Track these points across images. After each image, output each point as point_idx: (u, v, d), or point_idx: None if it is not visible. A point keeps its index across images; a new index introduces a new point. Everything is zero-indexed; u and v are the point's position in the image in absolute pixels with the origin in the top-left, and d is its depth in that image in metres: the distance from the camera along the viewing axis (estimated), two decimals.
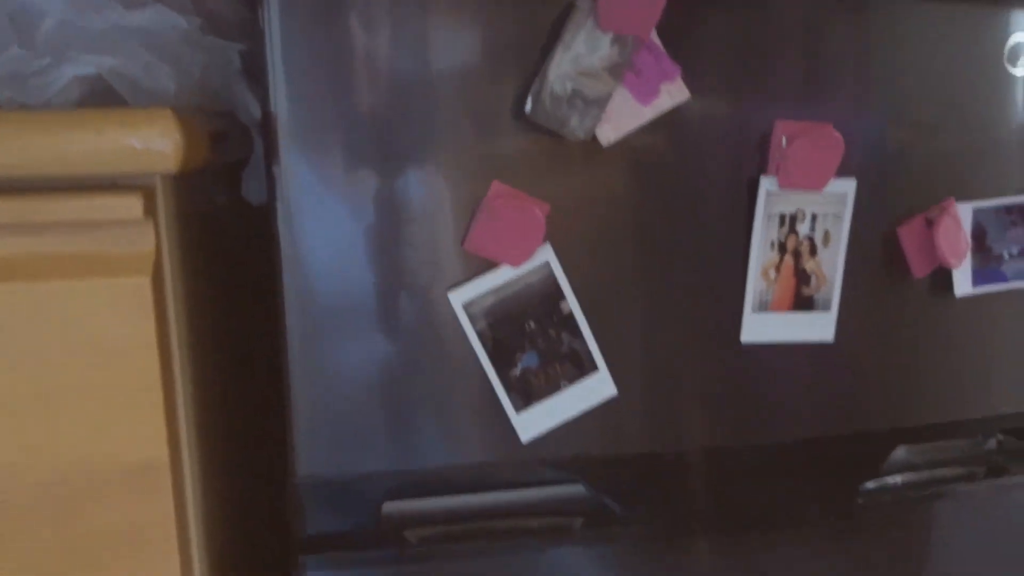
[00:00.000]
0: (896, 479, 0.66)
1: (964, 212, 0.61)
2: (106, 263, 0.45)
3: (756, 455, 0.61)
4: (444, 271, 0.54)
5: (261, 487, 0.72)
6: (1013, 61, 0.62)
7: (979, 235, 0.62)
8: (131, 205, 0.45)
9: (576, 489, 0.60)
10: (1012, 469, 0.69)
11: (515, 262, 0.54)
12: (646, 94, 0.54)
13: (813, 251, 0.59)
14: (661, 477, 0.61)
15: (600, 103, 0.52)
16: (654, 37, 0.53)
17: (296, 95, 0.51)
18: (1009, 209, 0.62)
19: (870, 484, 0.65)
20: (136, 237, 0.46)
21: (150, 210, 0.47)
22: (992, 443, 0.73)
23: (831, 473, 0.63)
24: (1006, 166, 0.63)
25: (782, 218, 0.58)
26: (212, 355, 0.61)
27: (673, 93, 0.54)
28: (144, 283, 0.47)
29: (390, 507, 0.59)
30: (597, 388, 0.57)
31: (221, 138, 0.58)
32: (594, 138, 0.53)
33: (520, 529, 0.60)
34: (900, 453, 0.69)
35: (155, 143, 0.43)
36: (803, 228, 0.59)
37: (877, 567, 0.66)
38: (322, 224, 0.53)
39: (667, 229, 0.57)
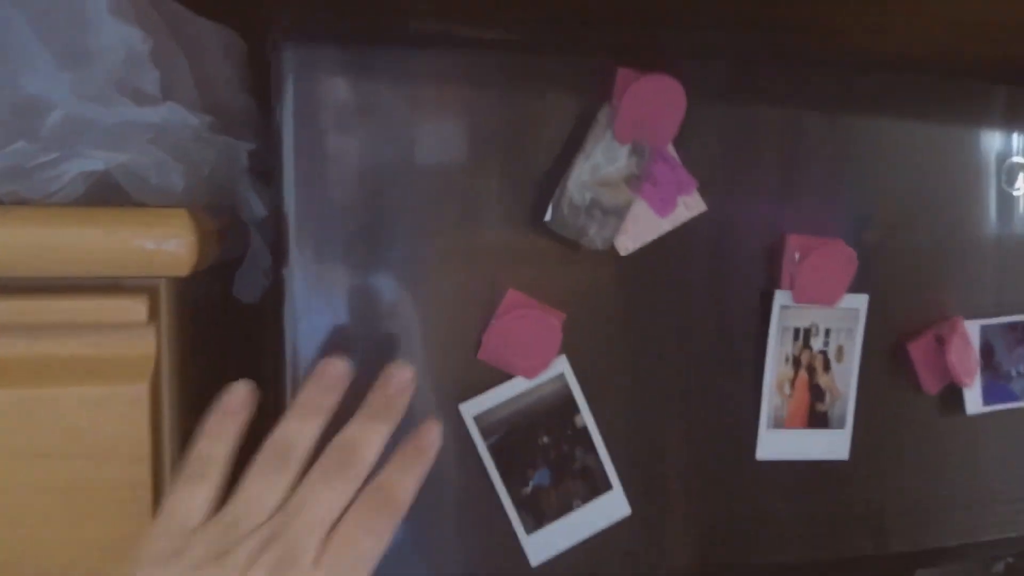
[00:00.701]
0: None
1: (972, 329, 0.61)
2: (105, 367, 0.43)
3: (771, 575, 0.59)
4: (455, 381, 0.52)
5: None
6: (1010, 183, 0.63)
7: (987, 352, 0.62)
8: (136, 308, 0.43)
9: None
10: None
11: (530, 374, 0.52)
12: (664, 205, 0.53)
13: (827, 366, 0.58)
14: None
15: (618, 213, 0.52)
16: (670, 149, 0.54)
17: (306, 195, 0.50)
18: (1014, 326, 0.62)
19: None
20: (137, 341, 0.44)
21: (154, 313, 0.44)
22: (1000, 566, 0.71)
23: None
24: (1010, 283, 0.64)
25: (796, 332, 0.57)
26: None
27: (690, 205, 0.54)
28: (142, 390, 0.44)
29: None
30: (611, 508, 0.54)
31: (226, 237, 0.56)
32: (612, 248, 0.52)
33: None
34: None
35: (169, 244, 0.41)
36: (816, 343, 0.58)
37: None
38: (328, 328, 0.51)
39: (683, 341, 0.56)
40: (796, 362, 0.58)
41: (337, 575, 0.38)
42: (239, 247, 0.68)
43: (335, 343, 0.50)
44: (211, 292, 0.67)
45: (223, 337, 0.70)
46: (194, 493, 0.40)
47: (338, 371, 0.44)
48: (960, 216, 0.62)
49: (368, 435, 0.42)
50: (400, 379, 0.47)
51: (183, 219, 0.42)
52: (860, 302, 0.58)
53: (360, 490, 0.41)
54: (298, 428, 0.42)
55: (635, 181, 0.52)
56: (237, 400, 0.43)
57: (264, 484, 0.40)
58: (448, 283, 0.52)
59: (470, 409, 0.52)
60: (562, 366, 0.53)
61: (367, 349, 0.51)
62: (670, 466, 0.56)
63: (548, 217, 0.51)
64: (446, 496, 0.53)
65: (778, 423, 0.57)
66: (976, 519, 0.64)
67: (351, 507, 0.40)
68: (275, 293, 0.52)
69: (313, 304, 0.51)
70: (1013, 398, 0.63)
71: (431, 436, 0.45)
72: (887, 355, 0.61)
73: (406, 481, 0.42)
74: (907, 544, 0.61)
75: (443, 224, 0.52)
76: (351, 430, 0.43)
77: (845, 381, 0.59)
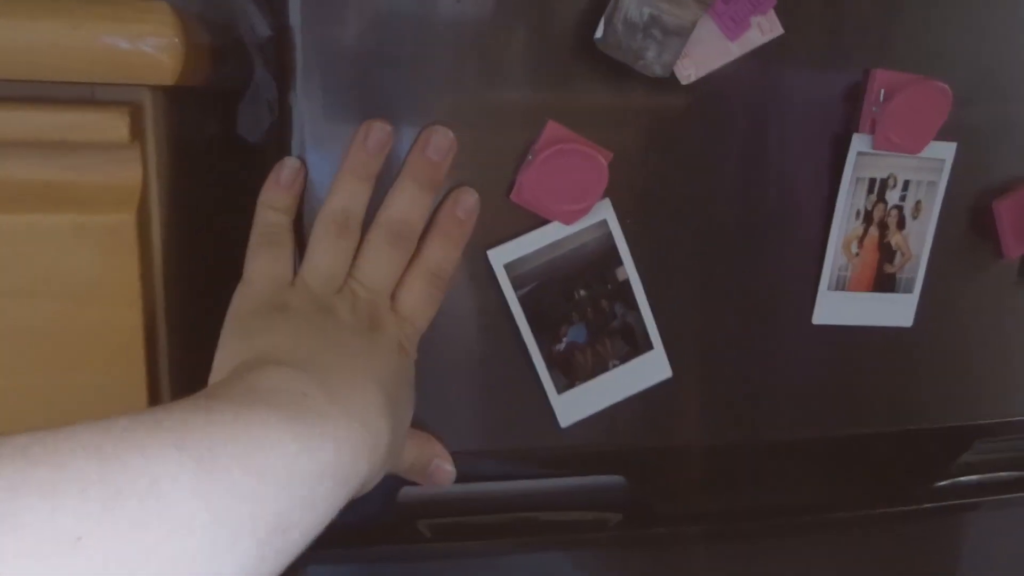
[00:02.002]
0: (972, 478, 0.60)
1: None
2: (82, 194, 0.37)
3: (820, 449, 0.55)
4: (483, 226, 0.46)
5: None
6: None
7: None
8: (115, 125, 0.36)
9: (615, 481, 0.53)
10: None
11: (570, 219, 0.46)
12: (735, 26, 0.45)
13: (901, 224, 0.52)
14: (715, 472, 0.54)
15: (682, 34, 0.44)
16: None
17: (317, 9, 0.42)
18: None
19: (944, 483, 0.59)
20: (119, 164, 0.37)
21: (137, 132, 0.38)
22: None
23: (905, 469, 0.57)
24: None
25: (871, 183, 0.50)
26: (199, 307, 0.52)
27: (765, 28, 0.46)
28: (127, 221, 0.38)
29: (408, 493, 0.51)
30: (651, 369, 0.49)
31: (222, 56, 0.49)
32: (672, 76, 0.45)
33: (548, 523, 0.53)
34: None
35: (147, 44, 0.34)
36: (893, 196, 0.51)
37: (936, 569, 0.60)
38: (339, 162, 0.44)
39: (742, 190, 0.49)
40: (868, 217, 0.51)
41: (408, 335, 0.43)
42: (241, 76, 0.60)
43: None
44: (208, 125, 0.60)
45: (226, 180, 0.63)
46: (276, 256, 0.43)
47: (381, 135, 0.43)
48: None
49: (414, 206, 0.43)
50: (443, 142, 0.44)
51: (164, 15, 0.35)
52: (947, 151, 0.51)
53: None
54: (351, 193, 0.43)
55: None
56: (289, 174, 0.43)
57: (333, 250, 0.42)
58: (478, 112, 0.45)
59: (500, 256, 0.46)
60: (605, 212, 0.47)
61: (383, 188, 0.44)
62: (718, 328, 0.51)
63: (599, 35, 0.43)
64: (471, 352, 0.48)
65: (840, 285, 0.52)
66: None
67: (406, 282, 0.44)
68: (281, 124, 0.45)
69: (322, 135, 0.44)
70: None
71: (467, 204, 0.45)
72: (965, 213, 0.54)
73: (448, 256, 0.44)
74: (968, 417, 0.57)
75: (474, 44, 0.44)
76: (398, 202, 0.43)
77: (919, 241, 0.52)
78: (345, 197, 0.43)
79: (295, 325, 0.40)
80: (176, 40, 0.35)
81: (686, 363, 0.50)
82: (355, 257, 0.43)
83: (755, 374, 0.52)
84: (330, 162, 0.44)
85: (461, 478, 0.51)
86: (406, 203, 0.44)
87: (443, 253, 0.44)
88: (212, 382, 0.37)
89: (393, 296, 0.44)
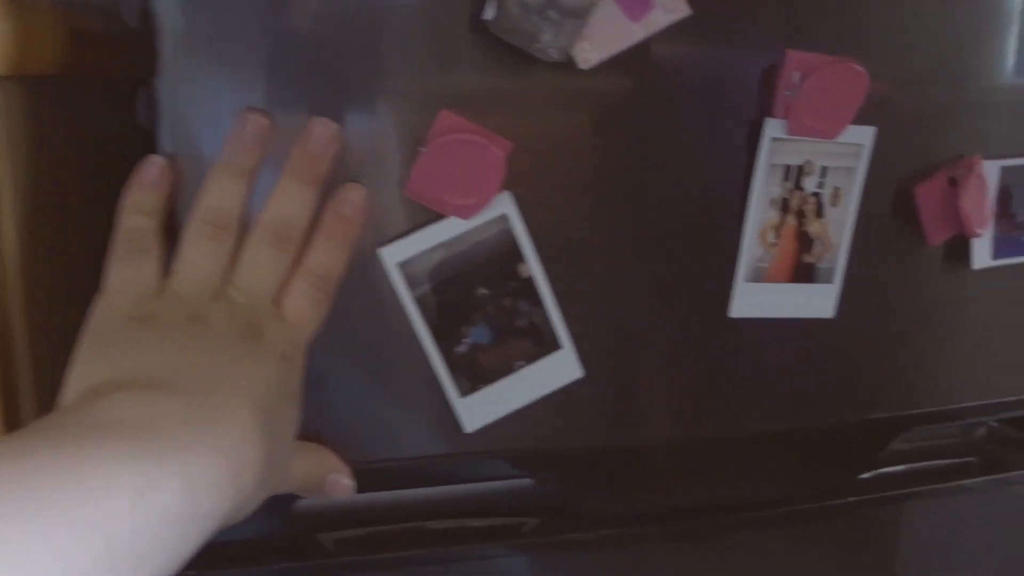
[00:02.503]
0: (895, 469, 0.58)
1: (991, 171, 0.53)
2: None
3: (739, 446, 0.53)
4: (377, 223, 0.43)
5: None
6: None
7: (1004, 200, 0.54)
8: None
9: (528, 485, 0.51)
10: (1009, 461, 0.62)
11: (466, 214, 0.43)
12: (637, 7, 0.43)
13: (819, 211, 0.50)
14: (629, 472, 0.52)
15: (580, 15, 0.41)
16: None
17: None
18: None
19: (866, 475, 0.57)
20: None
21: None
22: (983, 431, 0.66)
23: (823, 466, 0.56)
24: None
25: (786, 170, 0.48)
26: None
27: (669, 7, 0.43)
28: None
29: (302, 506, 0.48)
30: (560, 370, 0.47)
31: (110, 44, 0.45)
32: (570, 60, 0.42)
33: (460, 531, 0.51)
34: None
35: None
36: (810, 183, 0.49)
37: (869, 561, 0.59)
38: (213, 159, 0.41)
39: (650, 179, 0.47)
40: (785, 206, 0.49)
41: (293, 343, 0.40)
42: (133, 61, 0.57)
43: None
44: (107, 116, 0.56)
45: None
46: (140, 264, 0.39)
47: (258, 126, 0.40)
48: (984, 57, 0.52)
49: (296, 204, 0.41)
50: (325, 133, 0.41)
51: None
52: (865, 136, 0.49)
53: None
54: (225, 190, 0.40)
55: None
56: (152, 174, 0.40)
57: (205, 253, 0.39)
58: (364, 104, 0.42)
59: (393, 255, 0.43)
60: (505, 206, 0.44)
61: (267, 183, 0.41)
62: (631, 324, 0.49)
63: (490, 16, 0.41)
64: (368, 357, 0.45)
65: (758, 276, 0.50)
66: (962, 382, 0.58)
67: (290, 286, 0.41)
68: (152, 110, 0.42)
69: (196, 127, 0.41)
70: None
71: (354, 201, 0.42)
72: (887, 200, 0.52)
73: (335, 257, 0.42)
74: (891, 408, 0.55)
75: (360, 30, 0.41)
76: (278, 200, 0.41)
77: (839, 229, 0.51)
78: (218, 195, 0.40)
79: (159, 339, 0.37)
80: (5, 27, 0.32)
81: (598, 362, 0.48)
82: (234, 260, 0.40)
83: (671, 371, 0.50)
84: (202, 163, 0.40)
85: (365, 488, 0.49)
86: (287, 201, 0.41)
87: (329, 255, 0.41)
88: (59, 406, 0.34)
89: (277, 301, 0.41)
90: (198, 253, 0.39)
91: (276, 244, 0.40)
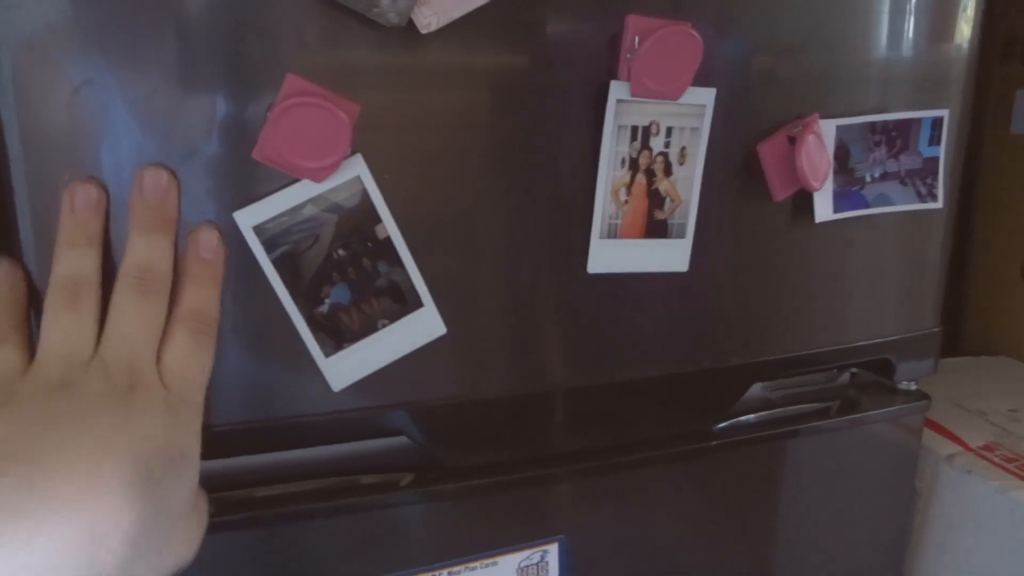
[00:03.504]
0: (749, 417, 0.62)
1: (828, 130, 0.56)
2: None
3: (605, 394, 0.55)
4: (230, 188, 0.44)
5: None
6: None
7: (842, 156, 0.57)
8: None
9: (404, 442, 0.53)
10: (863, 403, 0.67)
11: (317, 176, 0.44)
12: None
13: (668, 170, 0.53)
14: (499, 423, 0.54)
15: None
16: None
17: None
18: (874, 127, 0.58)
19: (724, 424, 0.61)
20: None
21: None
22: (846, 377, 0.70)
23: (685, 412, 0.59)
24: (872, 85, 0.58)
25: (634, 131, 0.51)
26: None
27: None
28: None
29: None
30: (423, 327, 0.49)
31: None
32: (411, 24, 0.44)
33: (337, 489, 0.52)
34: (756, 390, 0.66)
35: None
36: (657, 143, 0.52)
37: (732, 504, 0.62)
38: (66, 129, 0.41)
39: (506, 140, 0.49)
40: (634, 165, 0.52)
41: (181, 391, 0.40)
42: None
43: (67, 147, 0.41)
44: None
45: None
46: (10, 351, 0.39)
47: (87, 197, 0.41)
48: (822, 12, 0.55)
49: (151, 250, 0.41)
50: (157, 182, 0.42)
51: None
52: (707, 97, 0.52)
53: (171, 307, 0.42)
54: (76, 260, 0.40)
55: None
56: (83, 197, 0.41)
57: (67, 323, 0.39)
58: (210, 68, 0.43)
59: (248, 218, 0.44)
60: (358, 168, 0.45)
61: (113, 153, 0.42)
62: (492, 281, 0.51)
63: None
64: (232, 321, 0.46)
65: (612, 233, 0.52)
66: (819, 329, 0.62)
67: (168, 335, 0.41)
68: None
69: (31, 91, 0.41)
70: (864, 204, 0.59)
71: (211, 243, 0.43)
72: (735, 159, 0.55)
73: (206, 299, 0.43)
74: (746, 356, 0.59)
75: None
76: (133, 250, 0.41)
77: (687, 187, 0.54)
78: (69, 265, 0.40)
79: (15, 416, 0.36)
80: None
81: (461, 318, 0.50)
82: (103, 322, 0.40)
83: (534, 325, 0.53)
84: (50, 127, 0.41)
85: (246, 451, 0.50)
86: (142, 249, 0.41)
87: (199, 298, 0.42)
88: None
89: (159, 354, 0.41)
90: (59, 325, 0.39)
91: (139, 291, 0.40)
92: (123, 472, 0.35)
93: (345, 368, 0.48)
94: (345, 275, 0.47)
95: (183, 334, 0.41)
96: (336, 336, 0.47)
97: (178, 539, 0.38)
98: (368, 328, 0.48)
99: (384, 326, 0.48)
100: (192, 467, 0.40)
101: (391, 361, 0.49)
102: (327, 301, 0.46)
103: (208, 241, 0.43)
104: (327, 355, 0.47)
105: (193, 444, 0.40)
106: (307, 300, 0.46)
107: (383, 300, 0.48)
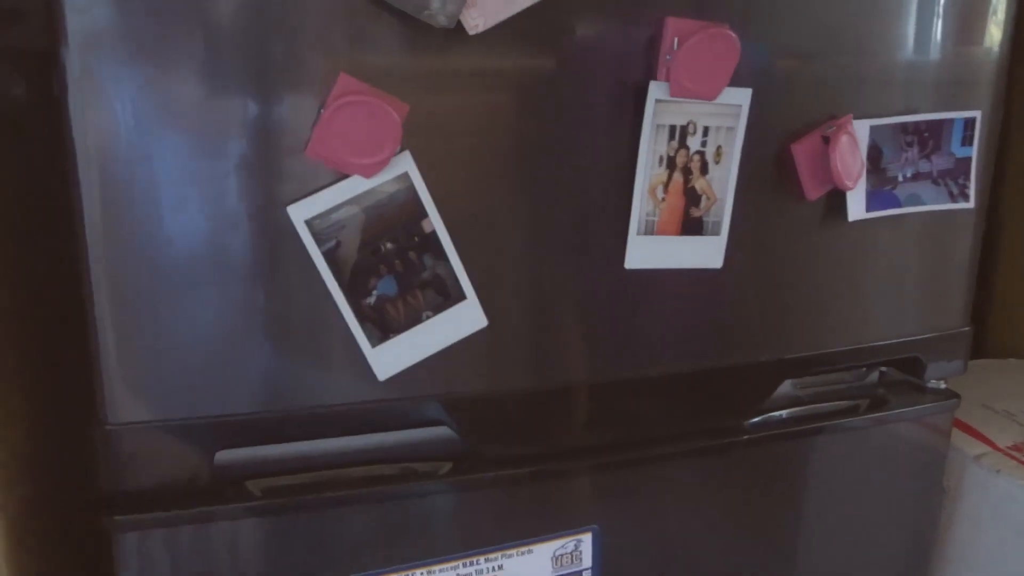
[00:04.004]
0: (781, 414, 0.63)
1: (861, 130, 0.57)
2: None
3: (638, 388, 0.57)
4: (284, 183, 0.46)
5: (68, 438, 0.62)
6: None
7: (875, 156, 0.58)
8: None
9: (443, 432, 0.54)
10: (892, 402, 0.67)
11: (367, 172, 0.46)
12: None
13: (704, 169, 0.54)
14: (535, 415, 0.55)
15: None
16: None
17: None
18: (906, 128, 0.59)
19: (756, 419, 0.62)
20: None
21: None
22: (875, 376, 0.71)
23: (716, 407, 0.60)
24: (904, 87, 0.59)
25: (672, 130, 0.52)
26: None
27: None
28: None
29: (226, 456, 0.51)
30: (465, 319, 0.50)
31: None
32: (459, 26, 0.45)
33: (379, 477, 0.54)
34: (786, 388, 0.67)
35: None
36: (694, 143, 0.53)
37: (761, 499, 0.63)
38: (128, 126, 0.43)
39: (545, 138, 0.51)
40: (671, 163, 0.53)
41: None
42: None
43: (137, 144, 0.43)
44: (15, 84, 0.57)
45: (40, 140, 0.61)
46: None
47: None
48: (858, 12, 0.56)
49: None
50: None
51: None
52: (743, 97, 0.53)
53: None
54: None
55: None
56: None
57: None
58: (268, 69, 0.44)
59: (301, 212, 0.46)
60: (406, 164, 0.47)
61: (176, 148, 0.44)
62: (532, 275, 0.52)
63: None
64: (280, 311, 0.48)
65: (649, 229, 0.53)
66: (848, 327, 0.63)
67: None
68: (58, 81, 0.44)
69: (106, 96, 0.43)
70: (896, 204, 0.60)
71: None
72: (769, 158, 0.56)
73: None
74: (776, 352, 0.60)
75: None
76: None
77: (723, 185, 0.55)
78: None
79: None
80: None
81: (503, 311, 0.51)
82: None
83: (572, 320, 0.54)
84: (119, 126, 0.42)
85: (284, 438, 0.52)
86: None
87: None
88: None
89: None
90: None
91: None
92: None
93: (391, 357, 0.49)
94: (392, 268, 0.48)
95: None
96: (382, 327, 0.49)
97: None
98: (413, 319, 0.49)
99: (428, 318, 0.50)
100: None
101: (435, 351, 0.50)
102: (374, 293, 0.48)
103: None
104: (373, 345, 0.49)
105: None
106: (355, 292, 0.48)
107: (428, 292, 0.49)
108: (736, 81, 0.52)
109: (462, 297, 0.50)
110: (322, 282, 0.47)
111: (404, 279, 0.49)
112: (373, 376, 0.49)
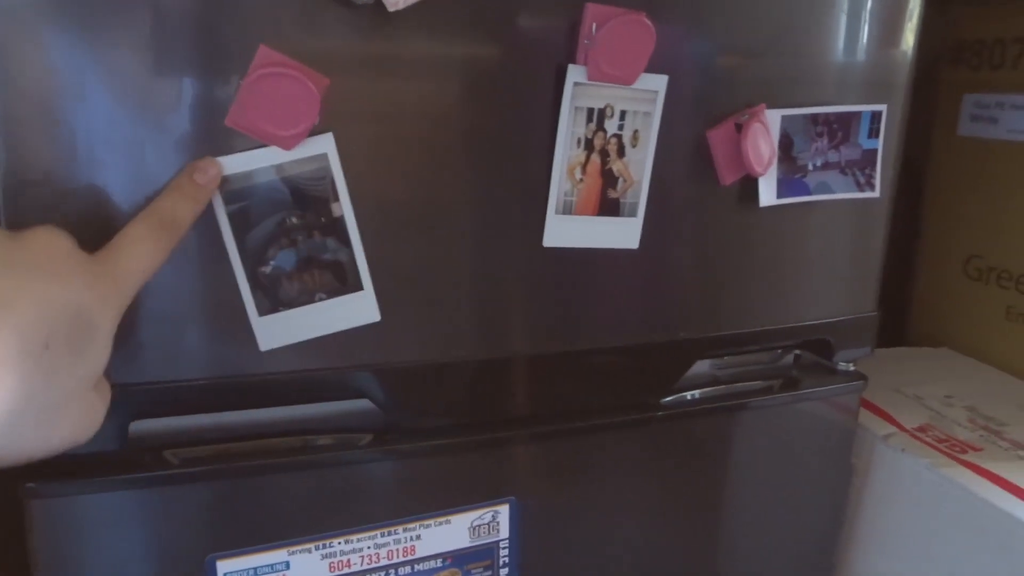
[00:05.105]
0: (695, 393, 0.65)
1: (773, 119, 0.60)
2: None
3: (557, 364, 0.58)
4: (208, 145, 0.46)
5: None
6: None
7: (786, 145, 0.61)
8: None
9: (366, 404, 0.55)
10: (804, 382, 0.70)
11: (286, 144, 0.47)
12: None
13: (621, 151, 0.56)
14: (454, 388, 0.56)
15: None
16: None
17: None
18: (816, 119, 0.61)
19: (670, 398, 0.64)
20: None
21: None
22: (790, 358, 0.74)
23: (636, 383, 0.62)
24: (817, 82, 0.62)
25: (590, 113, 0.54)
26: None
27: None
28: None
29: (143, 427, 0.51)
30: (358, 310, 0.51)
31: None
32: (379, 3, 0.46)
33: (297, 447, 0.54)
34: (705, 368, 0.69)
35: None
36: (611, 125, 0.55)
37: (677, 475, 0.66)
38: (47, 84, 0.43)
39: (466, 120, 0.52)
40: (589, 145, 0.55)
41: (115, 269, 0.39)
42: None
43: (40, 101, 0.43)
44: None
45: None
46: None
47: (212, 172, 0.46)
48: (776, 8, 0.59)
49: (179, 208, 0.44)
50: (209, 171, 0.46)
51: None
52: (659, 83, 0.55)
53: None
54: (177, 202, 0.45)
55: None
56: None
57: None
58: (182, 46, 0.45)
59: None
60: (327, 145, 0.48)
61: (82, 101, 0.44)
62: (456, 250, 0.53)
63: None
64: (181, 271, 0.47)
65: (567, 209, 0.55)
66: (763, 309, 0.65)
67: (130, 223, 0.42)
68: None
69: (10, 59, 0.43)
70: (806, 191, 0.62)
71: (210, 172, 0.46)
72: (687, 143, 0.58)
73: (182, 208, 0.44)
74: (694, 331, 0.62)
75: None
76: (165, 201, 0.44)
77: (639, 168, 0.57)
78: (171, 204, 0.44)
79: None
80: None
81: (397, 303, 0.52)
82: None
83: (493, 295, 0.55)
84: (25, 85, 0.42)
85: (201, 408, 0.52)
86: (172, 203, 0.44)
87: (174, 204, 0.44)
88: None
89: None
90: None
91: (157, 227, 0.43)
92: (16, 335, 0.32)
93: (277, 330, 0.49)
94: (294, 242, 0.48)
95: (142, 223, 0.42)
96: (272, 298, 0.49)
97: (70, 418, 0.37)
98: (305, 298, 0.49)
99: (321, 299, 0.50)
100: (98, 346, 0.38)
101: (322, 335, 0.50)
102: (271, 263, 0.48)
103: (207, 168, 0.45)
104: (260, 314, 0.49)
105: (106, 322, 0.38)
106: (251, 257, 0.48)
107: (325, 275, 0.50)
108: (654, 68, 0.54)
109: (359, 287, 0.50)
110: (223, 244, 0.47)
111: (304, 256, 0.49)
112: (256, 345, 0.49)
